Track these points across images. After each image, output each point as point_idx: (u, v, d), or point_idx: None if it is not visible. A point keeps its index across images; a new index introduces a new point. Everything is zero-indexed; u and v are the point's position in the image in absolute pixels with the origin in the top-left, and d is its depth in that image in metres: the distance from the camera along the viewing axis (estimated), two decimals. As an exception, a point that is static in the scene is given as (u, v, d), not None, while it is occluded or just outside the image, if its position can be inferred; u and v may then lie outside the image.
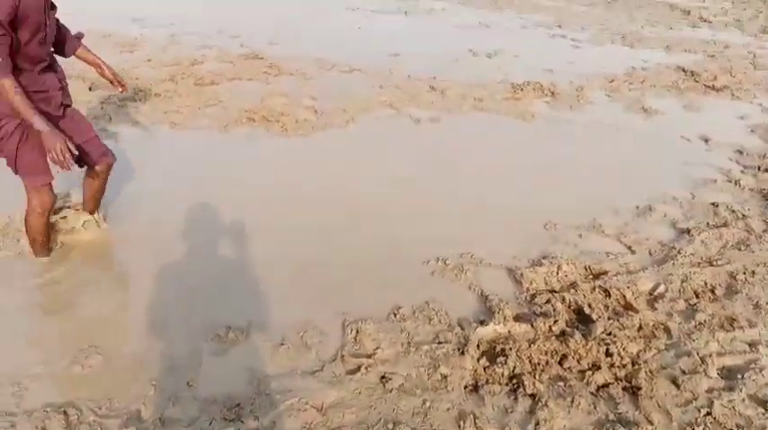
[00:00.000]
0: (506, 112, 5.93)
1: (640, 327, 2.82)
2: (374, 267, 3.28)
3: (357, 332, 2.76)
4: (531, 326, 2.80)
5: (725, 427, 2.27)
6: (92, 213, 3.40)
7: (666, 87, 6.97)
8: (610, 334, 2.73)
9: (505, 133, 5.44)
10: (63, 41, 2.99)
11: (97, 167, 3.13)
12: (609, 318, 2.87)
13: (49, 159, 2.72)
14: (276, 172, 4.38)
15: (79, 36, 3.08)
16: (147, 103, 5.74)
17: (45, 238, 3.11)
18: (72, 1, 8.03)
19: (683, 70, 7.63)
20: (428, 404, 2.36)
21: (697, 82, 7.19)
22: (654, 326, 2.84)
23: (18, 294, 2.94)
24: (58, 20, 2.88)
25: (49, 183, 2.93)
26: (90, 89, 6.02)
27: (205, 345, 2.67)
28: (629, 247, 3.56)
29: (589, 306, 2.94)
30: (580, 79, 7.11)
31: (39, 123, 2.60)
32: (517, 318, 2.88)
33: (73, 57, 3.10)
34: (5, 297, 2.91)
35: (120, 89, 3.22)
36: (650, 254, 3.50)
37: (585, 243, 3.61)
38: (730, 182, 4.49)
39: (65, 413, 2.27)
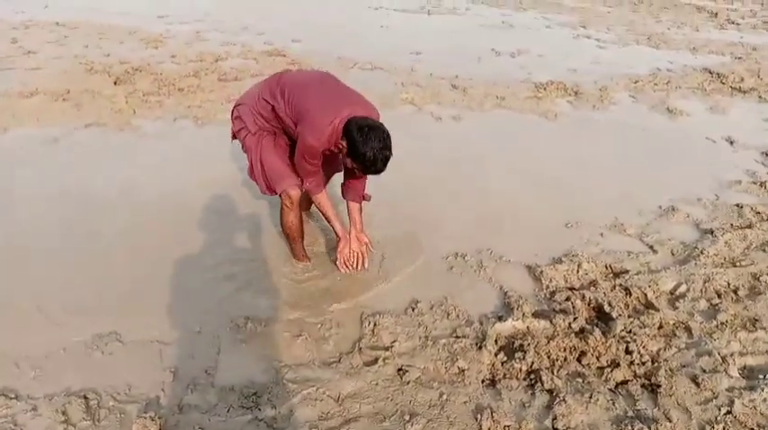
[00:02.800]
0: (529, 111, 5.90)
1: (661, 326, 2.79)
2: (392, 261, 3.28)
3: (375, 325, 2.76)
4: (551, 322, 2.78)
5: (745, 426, 2.23)
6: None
7: (692, 89, 6.88)
8: (630, 332, 2.70)
9: (527, 131, 5.41)
10: (351, 188, 3.10)
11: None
12: (629, 317, 2.84)
13: (341, 261, 3.10)
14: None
15: (365, 197, 3.16)
16: (171, 97, 5.81)
17: (299, 235, 3.16)
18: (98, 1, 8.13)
19: (710, 72, 7.52)
20: (445, 397, 2.35)
21: (723, 84, 7.08)
22: (674, 325, 2.80)
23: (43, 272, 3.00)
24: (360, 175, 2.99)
25: (298, 185, 3.00)
26: (115, 83, 6.12)
27: (224, 335, 2.69)
28: (651, 247, 3.52)
29: (609, 304, 2.91)
30: (604, 79, 7.05)
31: (339, 228, 3.06)
32: (536, 315, 2.86)
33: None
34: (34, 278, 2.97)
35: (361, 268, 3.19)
36: (672, 254, 3.46)
37: (607, 242, 3.57)
38: (755, 183, 4.42)
39: (85, 397, 2.30)
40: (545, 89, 6.51)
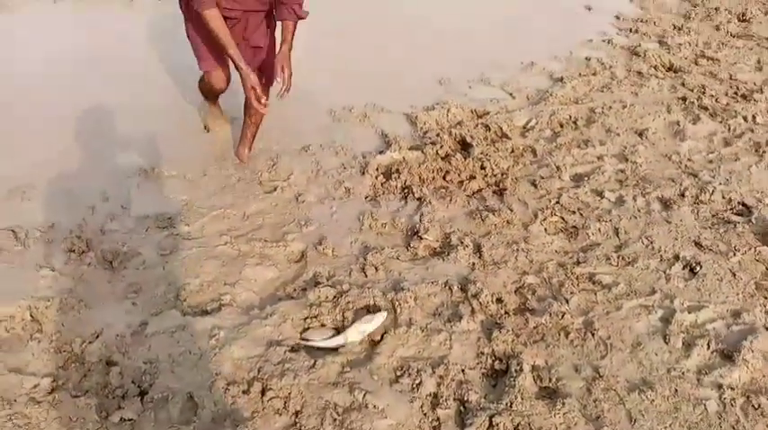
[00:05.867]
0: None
1: (512, 150, 3.35)
2: (287, 114, 3.62)
3: (273, 163, 3.14)
4: (422, 152, 3.27)
5: (569, 210, 2.86)
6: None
7: (559, -37, 7.35)
8: (485, 155, 3.25)
9: (406, 3, 5.72)
10: (284, 3, 2.78)
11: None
12: (487, 145, 3.38)
13: (253, 97, 2.72)
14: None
15: (300, 15, 2.81)
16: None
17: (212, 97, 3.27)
18: None
19: (577, -52, 8.00)
20: (335, 208, 2.83)
21: (588, -42, 7.60)
22: (523, 149, 3.38)
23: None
24: None
25: (215, 71, 2.96)
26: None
27: (134, 180, 2.99)
28: (511, 94, 4.05)
29: (471, 137, 3.43)
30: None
31: (237, 60, 2.67)
32: (411, 148, 3.34)
33: None
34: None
35: (283, 91, 2.91)
36: (528, 98, 4.02)
37: (474, 92, 4.07)
38: (604, 41, 5.01)
39: (12, 231, 2.58)
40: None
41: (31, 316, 2.19)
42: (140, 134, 3.33)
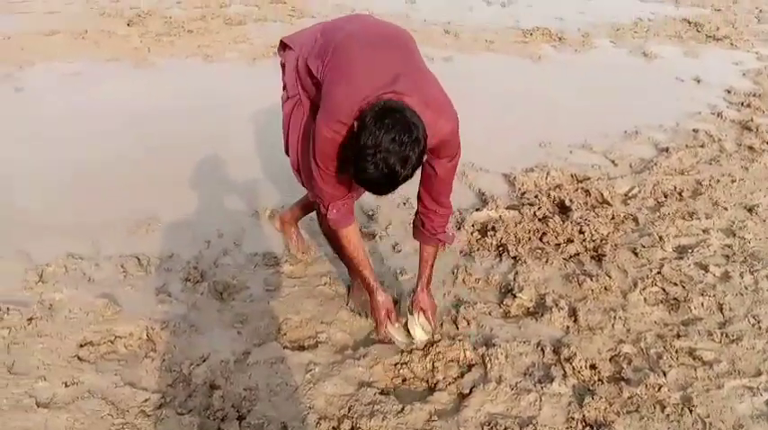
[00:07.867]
0: (515, 54, 6.35)
1: (613, 217, 3.32)
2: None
3: (373, 214, 3.28)
4: (519, 212, 3.31)
5: (670, 282, 2.79)
6: None
7: (669, 36, 7.30)
8: (585, 219, 3.23)
9: (513, 70, 5.87)
10: (424, 223, 2.27)
11: None
12: (586, 209, 3.37)
13: (381, 331, 2.32)
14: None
15: (446, 242, 2.36)
16: (182, 38, 6.22)
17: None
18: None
19: (688, 22, 7.93)
20: (429, 261, 2.90)
21: (699, 32, 7.50)
22: (624, 216, 3.34)
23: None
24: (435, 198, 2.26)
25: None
26: (128, 25, 6.52)
27: (247, 219, 3.21)
28: (613, 161, 4.04)
29: (570, 200, 3.43)
30: (588, 27, 7.46)
31: (371, 282, 2.25)
32: (508, 207, 3.39)
33: None
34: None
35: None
36: (630, 166, 3.98)
37: (574, 157, 4.09)
38: (714, 114, 4.90)
39: (137, 258, 2.83)
40: (531, 34, 6.93)
41: (147, 336, 2.39)
42: (255, 179, 3.59)
